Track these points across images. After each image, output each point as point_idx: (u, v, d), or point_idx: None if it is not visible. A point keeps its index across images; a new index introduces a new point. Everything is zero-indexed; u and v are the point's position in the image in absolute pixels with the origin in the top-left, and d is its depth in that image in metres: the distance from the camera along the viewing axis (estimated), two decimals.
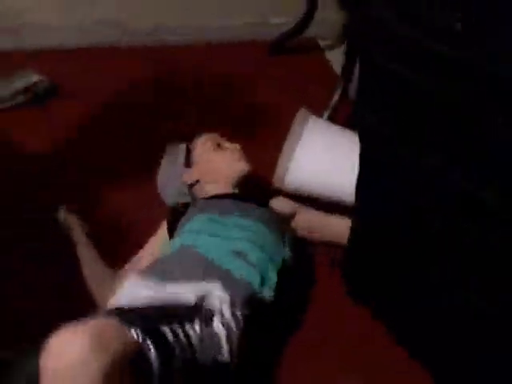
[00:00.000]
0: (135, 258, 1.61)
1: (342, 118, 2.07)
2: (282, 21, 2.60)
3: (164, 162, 1.79)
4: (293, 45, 2.59)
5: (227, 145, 1.77)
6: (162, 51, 2.46)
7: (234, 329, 1.30)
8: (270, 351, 1.44)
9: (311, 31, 2.56)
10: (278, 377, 1.40)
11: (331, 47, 2.68)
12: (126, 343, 1.09)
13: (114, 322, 1.13)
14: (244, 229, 1.51)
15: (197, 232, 1.51)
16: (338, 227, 1.60)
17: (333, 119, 2.10)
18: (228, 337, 1.28)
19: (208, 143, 1.75)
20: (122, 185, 1.89)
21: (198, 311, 1.28)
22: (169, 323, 1.20)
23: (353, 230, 1.53)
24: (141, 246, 1.63)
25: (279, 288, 1.45)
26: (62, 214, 1.73)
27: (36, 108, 2.15)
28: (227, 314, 1.30)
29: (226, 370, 1.28)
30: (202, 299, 1.30)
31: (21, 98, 2.18)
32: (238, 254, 1.44)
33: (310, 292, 1.59)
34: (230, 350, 1.28)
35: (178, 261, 1.43)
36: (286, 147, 1.79)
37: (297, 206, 1.74)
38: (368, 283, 1.52)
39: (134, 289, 1.37)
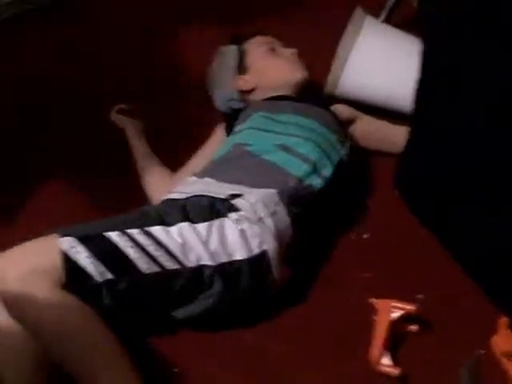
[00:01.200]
0: (191, 161, 1.59)
1: (399, 19, 1.95)
2: None
3: (215, 66, 1.73)
4: None
5: (283, 49, 1.69)
6: None
7: (272, 227, 1.25)
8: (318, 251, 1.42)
9: None
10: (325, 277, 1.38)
11: None
12: (46, 253, 1.12)
13: (48, 236, 1.15)
14: (300, 126, 1.47)
15: (249, 129, 1.49)
16: (397, 136, 1.54)
17: (389, 21, 1.99)
18: (243, 235, 1.22)
19: (262, 47, 1.67)
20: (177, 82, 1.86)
21: (189, 210, 1.23)
22: (122, 228, 1.16)
23: (409, 139, 1.47)
24: (197, 148, 1.62)
25: (333, 184, 1.41)
26: (115, 116, 1.73)
27: None
28: (261, 211, 1.25)
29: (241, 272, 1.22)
30: (232, 197, 1.27)
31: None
32: (286, 148, 1.41)
33: (363, 198, 1.55)
34: (260, 251, 1.22)
35: (228, 162, 1.42)
36: (339, 50, 1.70)
37: (356, 112, 1.68)
38: (420, 194, 1.47)
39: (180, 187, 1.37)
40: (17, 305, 1.09)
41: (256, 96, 1.65)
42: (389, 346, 1.21)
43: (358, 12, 1.77)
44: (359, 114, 1.68)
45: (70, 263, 1.12)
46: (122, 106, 1.74)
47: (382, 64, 1.72)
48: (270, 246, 1.24)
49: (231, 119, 1.60)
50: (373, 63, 1.72)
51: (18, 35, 2.03)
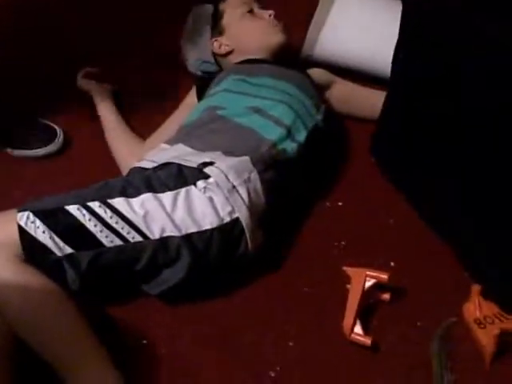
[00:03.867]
0: (162, 127, 1.55)
1: None
2: None
3: (189, 26, 1.68)
4: None
5: (261, 11, 1.63)
6: None
7: (246, 195, 1.22)
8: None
9: None
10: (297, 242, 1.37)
11: None
12: (4, 227, 1.11)
13: (7, 211, 1.14)
14: (275, 89, 1.44)
15: (222, 91, 1.45)
16: (374, 101, 1.51)
17: None
18: (212, 204, 1.18)
19: (240, 8, 1.62)
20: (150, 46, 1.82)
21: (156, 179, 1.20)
22: (83, 201, 1.14)
23: (386, 103, 1.45)
24: (169, 113, 1.57)
25: (307, 150, 1.39)
26: (81, 80, 1.67)
27: None
28: (234, 178, 1.22)
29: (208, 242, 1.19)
30: (204, 165, 1.23)
31: None
32: (259, 111, 1.38)
33: (339, 165, 1.54)
34: (231, 220, 1.20)
35: (200, 127, 1.37)
36: (317, 12, 1.67)
37: (332, 76, 1.64)
38: (395, 159, 1.46)
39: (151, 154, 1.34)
40: None
41: (231, 59, 1.62)
42: (361, 315, 1.21)
43: None
44: (336, 79, 1.65)
45: (28, 238, 1.10)
46: (88, 69, 1.69)
47: (360, 27, 1.68)
48: (242, 213, 1.21)
49: (203, 83, 1.56)
50: (351, 26, 1.68)
51: None
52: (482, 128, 1.18)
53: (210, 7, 1.65)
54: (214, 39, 1.62)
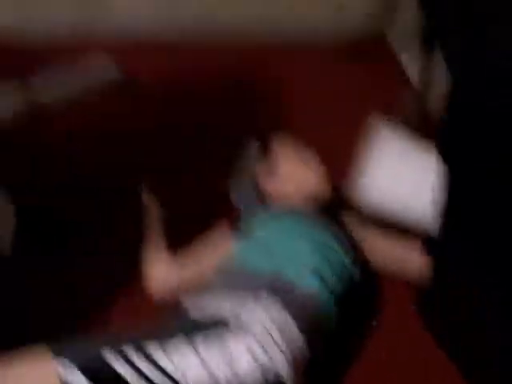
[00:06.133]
0: (193, 258, 1.56)
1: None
2: None
3: (237, 167, 1.75)
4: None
5: (310, 161, 1.67)
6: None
7: (288, 353, 1.20)
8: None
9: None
10: None
11: (406, 50, 2.51)
12: (42, 375, 1.08)
13: (39, 353, 1.11)
14: (312, 241, 1.46)
15: (260, 245, 1.47)
16: (411, 264, 1.52)
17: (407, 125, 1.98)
18: (256, 363, 1.16)
19: (290, 153, 1.68)
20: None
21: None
22: (120, 349, 1.11)
23: (435, 266, 1.42)
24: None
25: (345, 304, 1.40)
26: (145, 194, 1.74)
27: None
28: (276, 335, 1.21)
29: None
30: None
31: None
32: (295, 260, 1.39)
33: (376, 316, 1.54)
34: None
35: (237, 279, 1.39)
36: (366, 166, 1.70)
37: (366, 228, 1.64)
38: (444, 322, 1.43)
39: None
40: None
41: (272, 197, 1.66)
42: None
43: (376, 119, 1.78)
44: (369, 231, 1.64)
45: None
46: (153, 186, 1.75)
47: (401, 176, 1.70)
48: (284, 372, 1.19)
49: (245, 219, 1.60)
50: (392, 174, 1.70)
51: None
52: None
53: (255, 145, 1.73)
54: (267, 179, 1.66)
